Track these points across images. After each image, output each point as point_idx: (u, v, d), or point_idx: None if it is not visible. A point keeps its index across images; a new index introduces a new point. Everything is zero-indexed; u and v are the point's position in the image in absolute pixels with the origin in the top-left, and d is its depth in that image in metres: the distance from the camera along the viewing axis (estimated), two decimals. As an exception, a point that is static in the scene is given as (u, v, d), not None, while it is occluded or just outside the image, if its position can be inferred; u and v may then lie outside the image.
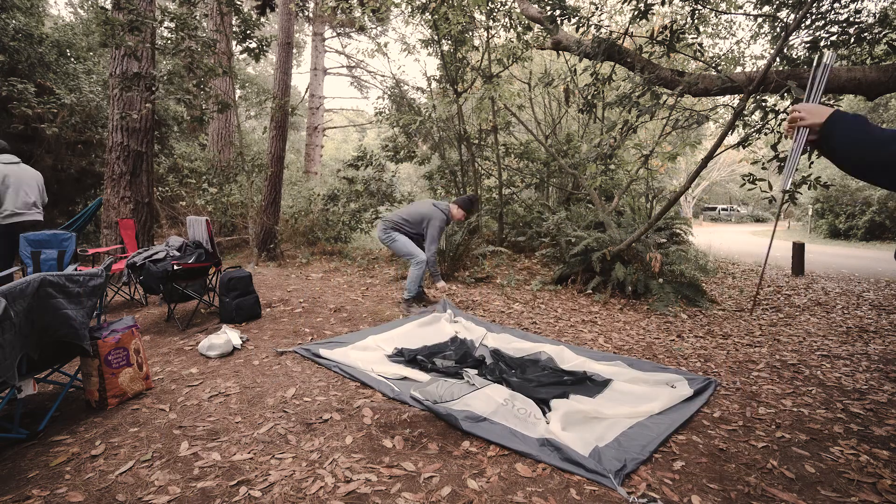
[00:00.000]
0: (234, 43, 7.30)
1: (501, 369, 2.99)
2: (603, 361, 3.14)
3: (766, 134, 4.51)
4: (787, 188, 2.49)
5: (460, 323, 3.97)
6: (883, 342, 4.05)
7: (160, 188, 9.68)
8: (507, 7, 6.72)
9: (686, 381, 2.75)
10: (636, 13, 4.53)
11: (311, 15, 12.82)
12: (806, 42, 4.42)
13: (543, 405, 2.45)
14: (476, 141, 8.32)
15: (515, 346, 3.42)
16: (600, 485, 1.85)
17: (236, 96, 12.01)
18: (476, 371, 2.91)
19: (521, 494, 1.80)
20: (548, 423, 2.24)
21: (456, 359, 3.14)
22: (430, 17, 6.64)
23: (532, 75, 8.46)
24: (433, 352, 3.30)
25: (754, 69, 6.76)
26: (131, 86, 5.75)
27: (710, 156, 4.67)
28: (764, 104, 4.13)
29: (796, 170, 4.33)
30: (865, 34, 4.19)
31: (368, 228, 9.18)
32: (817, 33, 4.45)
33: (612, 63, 5.39)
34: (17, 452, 2.11)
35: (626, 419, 2.33)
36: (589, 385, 2.77)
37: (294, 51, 12.83)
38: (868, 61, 4.57)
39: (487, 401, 2.40)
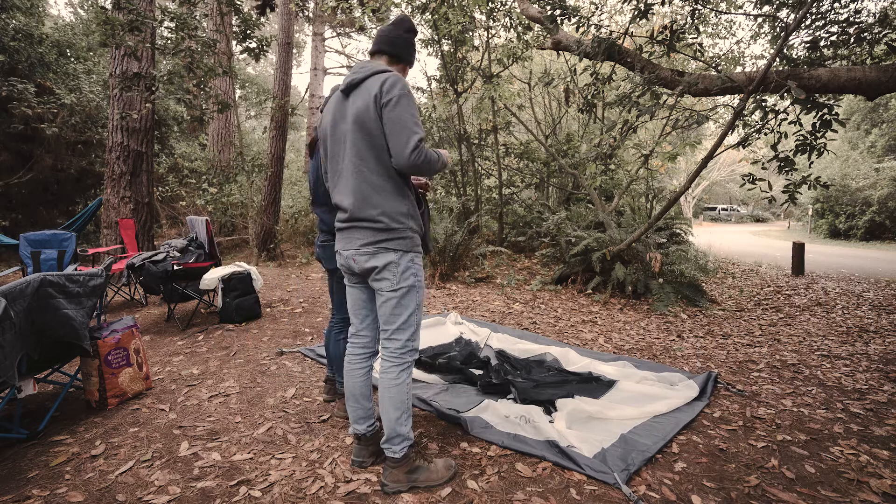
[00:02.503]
0: (234, 43, 7.30)
1: (506, 370, 2.99)
2: (609, 362, 3.15)
3: (766, 134, 4.51)
4: None
5: (465, 325, 3.97)
6: (883, 342, 4.04)
7: (160, 188, 9.68)
8: (507, 7, 6.71)
9: (690, 381, 2.77)
10: (636, 13, 4.52)
11: (311, 15, 12.82)
12: (806, 42, 4.42)
13: (549, 405, 2.46)
14: (476, 141, 8.31)
15: (520, 347, 3.42)
16: (600, 484, 1.85)
17: (236, 96, 12.00)
18: (481, 371, 2.91)
19: (521, 494, 1.80)
20: (552, 423, 2.25)
21: (461, 360, 3.13)
22: (430, 17, 6.64)
23: (532, 75, 8.46)
24: (438, 352, 3.29)
25: (754, 69, 6.76)
26: (131, 86, 5.75)
27: (710, 156, 4.67)
28: (764, 104, 4.13)
29: (796, 169, 4.32)
30: (865, 34, 4.18)
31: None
32: (817, 33, 4.44)
33: (612, 63, 5.38)
34: (17, 452, 2.11)
35: (632, 420, 2.34)
36: (594, 385, 2.78)
37: (294, 51, 12.83)
38: (868, 61, 4.56)
39: (496, 414, 2.40)
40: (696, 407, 2.51)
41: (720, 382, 2.90)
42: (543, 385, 2.76)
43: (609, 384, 2.79)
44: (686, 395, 2.60)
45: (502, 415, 2.37)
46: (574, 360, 3.15)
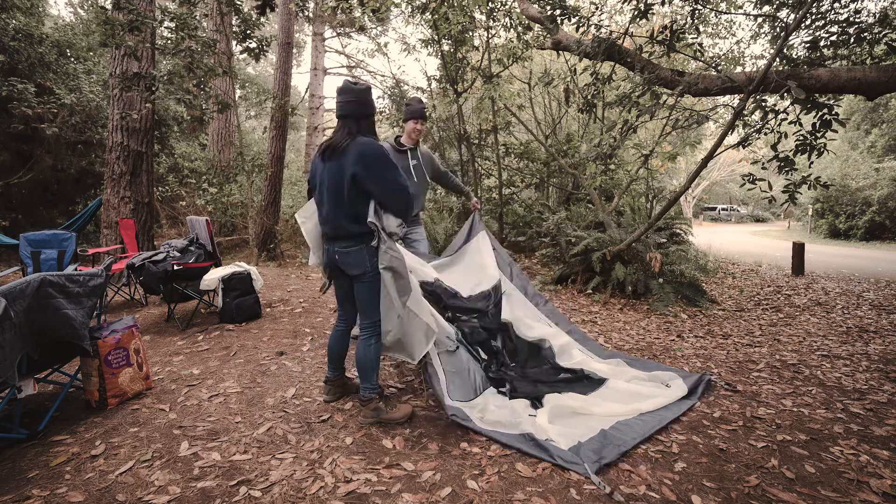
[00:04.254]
0: (234, 43, 7.30)
1: (504, 361, 3.00)
2: (604, 360, 3.16)
3: (766, 134, 4.51)
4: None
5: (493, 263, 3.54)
6: (883, 342, 4.04)
7: (160, 188, 9.68)
8: (507, 7, 6.71)
9: (681, 380, 2.78)
10: (636, 13, 4.52)
11: (311, 15, 12.81)
12: (806, 42, 4.42)
13: (537, 401, 2.52)
14: (476, 141, 8.31)
15: (526, 323, 3.30)
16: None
17: (236, 96, 11.99)
18: (486, 358, 2.90)
19: (520, 494, 1.80)
20: (535, 417, 2.33)
21: (478, 324, 3.04)
22: (430, 17, 6.64)
23: (532, 75, 8.46)
24: (460, 306, 3.07)
25: (754, 69, 6.75)
26: (131, 86, 5.74)
27: (710, 156, 4.67)
28: (764, 104, 4.13)
29: (796, 169, 4.35)
30: (865, 34, 4.18)
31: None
32: (817, 33, 4.44)
33: (612, 63, 5.38)
34: (17, 452, 2.11)
35: (616, 416, 2.38)
36: (585, 383, 2.81)
37: (294, 51, 12.84)
38: (868, 61, 4.56)
39: (483, 409, 2.45)
40: (682, 406, 2.53)
41: (715, 382, 2.90)
42: (535, 381, 2.80)
43: (599, 382, 2.82)
44: (674, 394, 2.63)
45: (490, 408, 2.43)
46: (570, 355, 3.14)
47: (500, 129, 7.92)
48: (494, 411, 2.39)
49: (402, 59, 60.75)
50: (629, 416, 2.38)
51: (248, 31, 6.41)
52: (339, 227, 2.21)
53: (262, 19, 7.19)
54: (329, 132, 16.39)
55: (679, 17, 7.69)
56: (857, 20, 4.25)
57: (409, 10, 7.15)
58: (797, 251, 8.44)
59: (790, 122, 4.21)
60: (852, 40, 4.22)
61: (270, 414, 2.44)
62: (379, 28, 14.80)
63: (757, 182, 4.56)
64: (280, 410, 2.48)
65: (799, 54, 4.77)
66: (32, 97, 7.47)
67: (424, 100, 8.96)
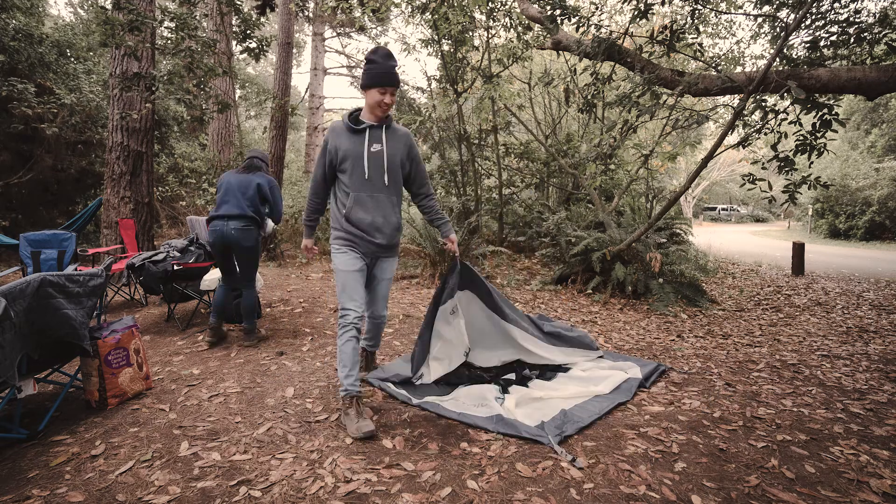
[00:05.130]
0: (234, 43, 7.30)
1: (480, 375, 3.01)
2: (567, 355, 3.26)
3: (766, 134, 4.51)
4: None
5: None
6: (883, 342, 4.04)
7: (160, 188, 9.68)
8: (507, 7, 6.71)
9: (638, 368, 3.01)
10: (636, 13, 4.52)
11: (311, 15, 12.81)
12: (806, 42, 4.42)
13: (503, 391, 2.66)
14: (476, 141, 8.31)
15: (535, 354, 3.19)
16: (600, 484, 1.85)
17: (236, 96, 11.99)
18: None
19: (520, 494, 1.80)
20: (502, 403, 2.50)
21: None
22: (430, 17, 6.64)
23: (532, 75, 8.46)
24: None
25: (754, 69, 6.76)
26: (131, 86, 5.74)
27: (710, 156, 4.67)
28: (764, 104, 4.13)
29: (796, 169, 4.35)
30: (865, 34, 4.19)
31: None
32: (817, 33, 4.45)
33: (612, 63, 5.39)
34: (17, 452, 2.11)
35: (574, 398, 2.60)
36: (548, 373, 2.99)
37: (294, 51, 12.84)
38: (868, 61, 4.57)
39: (454, 397, 2.63)
40: (633, 390, 2.72)
41: (668, 368, 3.13)
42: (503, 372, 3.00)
43: (565, 370, 3.01)
44: (629, 376, 2.84)
45: (460, 399, 2.58)
46: (538, 358, 3.13)
47: (500, 129, 7.92)
48: (464, 399, 2.56)
49: (402, 59, 60.74)
50: (587, 398, 2.60)
51: (248, 31, 6.41)
52: (243, 211, 3.32)
53: (262, 19, 7.19)
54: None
55: (679, 17, 7.70)
56: (857, 20, 4.25)
57: (409, 10, 7.15)
58: (797, 251, 8.44)
59: (790, 122, 4.21)
60: (852, 40, 4.22)
61: (270, 414, 2.44)
62: (379, 28, 14.81)
63: (757, 182, 4.57)
64: (280, 410, 2.48)
65: (799, 54, 4.78)
66: (32, 97, 7.46)
67: (424, 100, 8.96)
